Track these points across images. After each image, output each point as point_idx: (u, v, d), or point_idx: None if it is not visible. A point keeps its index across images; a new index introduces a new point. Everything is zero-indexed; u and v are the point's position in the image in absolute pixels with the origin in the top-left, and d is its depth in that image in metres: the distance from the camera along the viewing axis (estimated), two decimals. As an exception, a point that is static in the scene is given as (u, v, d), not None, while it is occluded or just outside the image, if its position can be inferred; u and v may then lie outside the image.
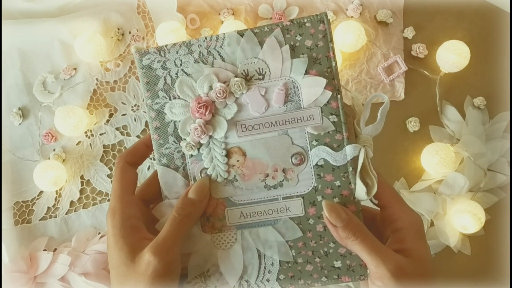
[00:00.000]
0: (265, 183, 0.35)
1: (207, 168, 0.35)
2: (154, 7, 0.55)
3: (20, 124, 0.53)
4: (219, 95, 0.34)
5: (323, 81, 0.34)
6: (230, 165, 0.35)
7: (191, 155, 0.36)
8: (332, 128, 0.34)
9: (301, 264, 0.35)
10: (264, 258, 0.35)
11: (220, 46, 0.35)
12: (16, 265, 0.49)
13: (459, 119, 0.52)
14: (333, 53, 0.34)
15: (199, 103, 0.34)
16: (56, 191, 0.52)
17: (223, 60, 0.35)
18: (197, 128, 0.35)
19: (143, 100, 0.37)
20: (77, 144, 0.53)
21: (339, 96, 0.34)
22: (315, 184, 0.35)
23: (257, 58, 0.35)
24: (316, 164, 0.35)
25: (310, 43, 0.34)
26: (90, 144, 0.53)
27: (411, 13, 0.54)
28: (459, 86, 0.53)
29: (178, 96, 0.35)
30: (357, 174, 0.34)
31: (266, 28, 0.35)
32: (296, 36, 0.35)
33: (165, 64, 0.36)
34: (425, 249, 0.33)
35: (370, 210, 0.37)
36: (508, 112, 0.52)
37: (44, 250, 0.51)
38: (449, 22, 0.54)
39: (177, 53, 0.36)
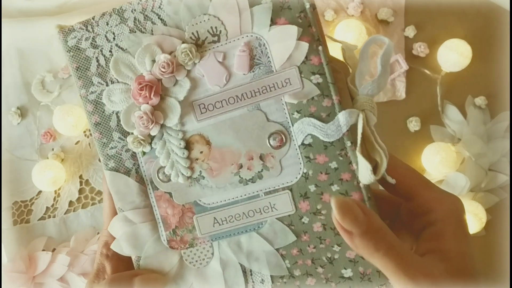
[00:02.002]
0: (239, 176, 0.27)
1: (165, 167, 0.28)
2: (153, 5, 0.55)
3: (18, 123, 0.53)
4: (163, 70, 0.26)
5: (294, 29, 0.25)
6: (192, 159, 0.27)
7: (144, 153, 0.28)
8: (317, 92, 0.26)
9: (299, 277, 0.27)
10: (251, 275, 0.28)
11: (159, 7, 0.27)
12: (15, 265, 0.48)
13: (460, 118, 0.52)
14: None
15: (140, 84, 0.27)
16: (55, 191, 0.52)
17: (165, 24, 0.27)
18: (142, 117, 0.27)
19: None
20: (76, 144, 0.53)
21: (320, 47, 0.25)
22: (305, 170, 0.26)
23: (207, 14, 0.26)
24: (303, 143, 0.26)
25: None
26: (89, 144, 0.53)
27: (412, 12, 0.54)
28: (460, 86, 0.53)
29: (117, 80, 0.28)
30: (358, 148, 0.25)
31: None
32: None
33: (95, 41, 0.28)
34: (468, 248, 0.26)
35: (393, 198, 0.29)
36: (509, 112, 0.52)
37: (43, 250, 0.50)
38: (451, 21, 0.53)
39: (107, 24, 0.28)
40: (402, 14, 0.54)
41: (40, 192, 0.52)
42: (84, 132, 0.53)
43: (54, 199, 0.52)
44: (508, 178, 0.51)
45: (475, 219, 0.48)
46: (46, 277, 0.49)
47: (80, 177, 0.52)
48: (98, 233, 0.51)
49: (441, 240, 0.25)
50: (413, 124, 0.52)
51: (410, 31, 0.53)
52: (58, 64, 0.54)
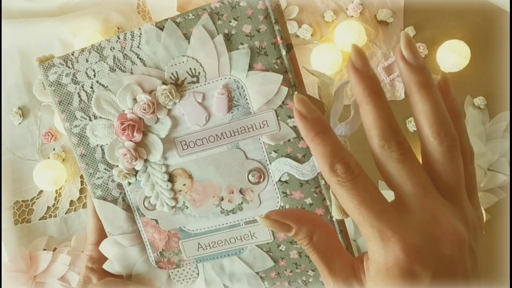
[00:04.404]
0: (221, 207, 0.29)
1: (150, 197, 0.29)
2: (154, 6, 0.55)
3: (20, 123, 0.53)
4: (144, 111, 0.27)
5: (279, 77, 0.26)
6: (176, 190, 0.29)
7: (129, 183, 0.29)
8: (292, 135, 0.27)
9: None
10: None
11: (138, 46, 0.28)
12: (15, 264, 0.48)
13: (459, 119, 0.52)
14: (282, 38, 0.26)
15: (122, 123, 0.27)
16: (56, 191, 0.52)
17: (144, 64, 0.28)
18: (125, 154, 0.28)
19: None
20: (77, 144, 0.53)
21: (296, 92, 0.26)
22: (282, 204, 0.28)
23: (186, 56, 0.27)
24: (280, 180, 0.28)
25: (249, 28, 0.26)
26: (90, 144, 0.53)
27: (411, 13, 0.54)
28: (459, 86, 0.53)
29: (99, 116, 0.29)
30: (331, 189, 0.27)
31: (191, 15, 0.26)
32: (230, 22, 0.26)
33: (76, 77, 0.29)
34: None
35: None
36: (508, 112, 0.52)
37: (44, 249, 0.50)
38: (450, 22, 0.54)
39: (87, 61, 0.28)
40: (401, 15, 0.54)
41: (41, 191, 0.52)
42: (85, 132, 0.53)
43: (55, 198, 0.52)
44: (508, 178, 0.51)
45: (474, 218, 0.48)
46: (47, 276, 0.49)
47: (81, 176, 0.52)
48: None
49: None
50: (413, 124, 0.52)
51: (409, 32, 0.53)
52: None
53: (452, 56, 0.50)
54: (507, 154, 0.52)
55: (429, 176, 0.24)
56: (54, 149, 0.52)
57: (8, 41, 0.54)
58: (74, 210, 0.52)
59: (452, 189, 0.24)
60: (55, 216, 0.52)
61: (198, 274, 0.30)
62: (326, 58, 0.50)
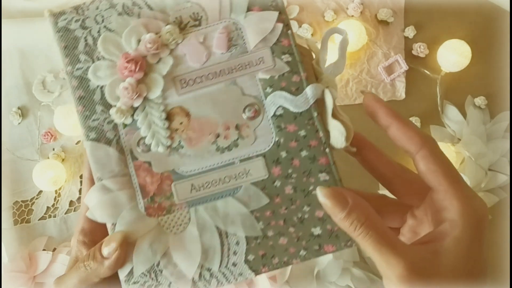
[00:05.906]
0: (216, 145, 0.29)
1: (145, 137, 0.29)
2: (154, 6, 0.55)
3: (19, 123, 0.53)
4: (149, 46, 0.29)
5: (275, 14, 0.29)
6: (172, 129, 0.29)
7: (125, 125, 0.29)
8: (286, 69, 0.29)
9: (272, 238, 0.29)
10: (227, 237, 0.29)
11: None
12: (15, 264, 0.48)
13: (460, 118, 0.52)
14: None
15: (126, 58, 0.29)
16: (56, 191, 0.52)
17: (151, 8, 0.30)
18: (127, 87, 0.29)
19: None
20: (76, 144, 0.53)
21: (289, 32, 0.29)
22: (276, 138, 0.29)
23: (190, 1, 0.30)
24: (274, 115, 0.29)
25: None
26: (90, 144, 0.53)
27: (412, 12, 0.54)
28: (460, 86, 0.53)
29: (103, 57, 0.30)
30: (329, 116, 0.29)
31: None
32: None
33: (84, 23, 0.30)
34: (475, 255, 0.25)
35: (401, 205, 0.31)
36: (509, 112, 0.52)
37: (44, 249, 0.50)
38: (450, 22, 0.54)
39: (97, 8, 0.30)
40: (402, 15, 0.54)
41: (40, 192, 0.52)
42: (85, 132, 0.53)
43: (55, 199, 0.52)
44: (508, 178, 0.51)
45: (475, 219, 0.48)
46: (47, 276, 0.49)
47: (81, 177, 0.52)
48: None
49: (443, 239, 0.25)
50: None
51: (410, 32, 0.53)
52: (59, 64, 0.54)
53: (453, 55, 0.50)
54: (507, 154, 0.52)
55: None
56: (53, 149, 0.52)
57: (7, 40, 0.54)
58: (74, 210, 0.52)
59: None
60: (54, 216, 0.52)
61: (189, 219, 0.29)
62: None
